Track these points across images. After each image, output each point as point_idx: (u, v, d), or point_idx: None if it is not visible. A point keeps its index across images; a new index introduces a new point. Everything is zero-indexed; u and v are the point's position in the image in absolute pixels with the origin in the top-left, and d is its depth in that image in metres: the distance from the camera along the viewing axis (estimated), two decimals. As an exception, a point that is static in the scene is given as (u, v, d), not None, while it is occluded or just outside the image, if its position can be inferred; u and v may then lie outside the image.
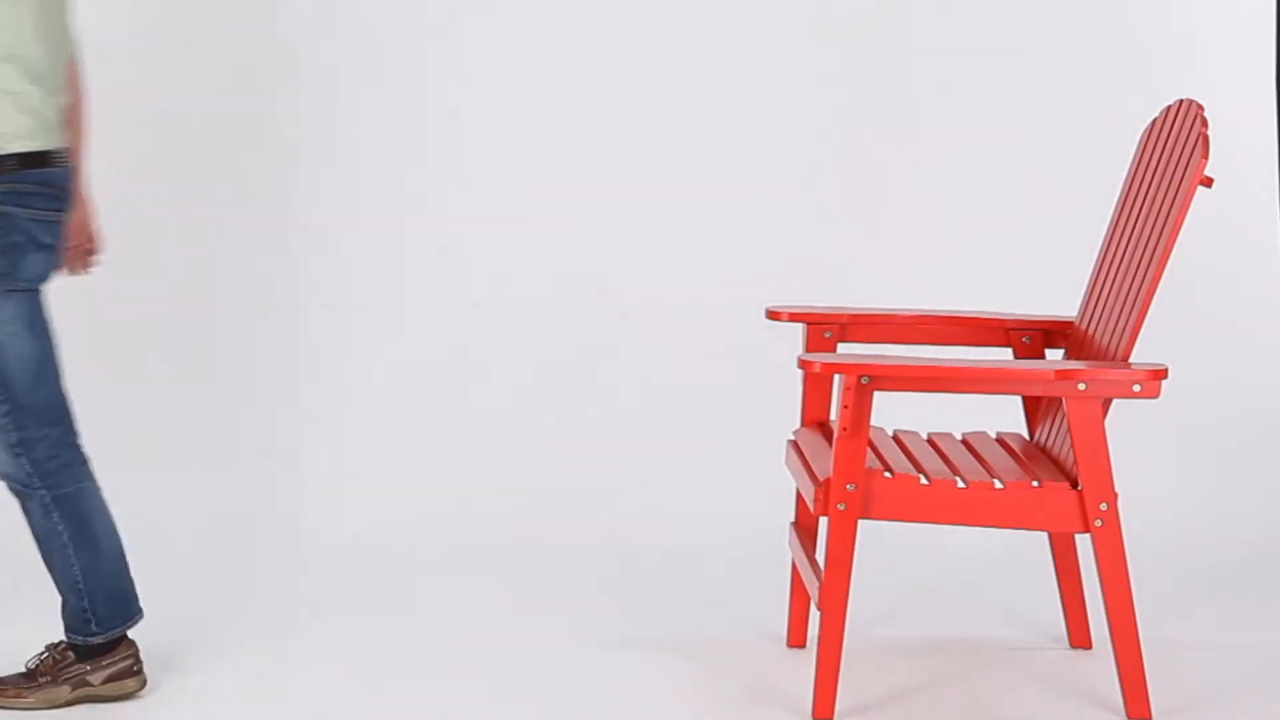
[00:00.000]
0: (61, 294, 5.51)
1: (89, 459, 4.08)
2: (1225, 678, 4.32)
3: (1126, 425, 5.25)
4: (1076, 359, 4.38)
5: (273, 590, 4.92)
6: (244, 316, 5.73)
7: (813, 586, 4.11)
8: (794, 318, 4.50)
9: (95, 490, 4.04)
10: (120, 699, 4.06)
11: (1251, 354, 5.80)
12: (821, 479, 4.00)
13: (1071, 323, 4.49)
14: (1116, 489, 4.00)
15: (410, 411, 5.71)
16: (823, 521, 5.21)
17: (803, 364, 4.01)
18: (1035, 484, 3.99)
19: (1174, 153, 4.17)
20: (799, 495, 4.48)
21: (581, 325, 5.76)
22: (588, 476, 5.63)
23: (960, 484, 3.99)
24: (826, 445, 4.28)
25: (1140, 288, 4.09)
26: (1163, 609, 4.75)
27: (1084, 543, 4.74)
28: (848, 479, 3.93)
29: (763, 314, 4.80)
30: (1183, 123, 4.18)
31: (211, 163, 5.72)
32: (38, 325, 3.97)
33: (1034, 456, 4.28)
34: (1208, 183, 4.00)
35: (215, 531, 5.36)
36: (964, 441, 4.42)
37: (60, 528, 4.01)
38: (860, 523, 3.96)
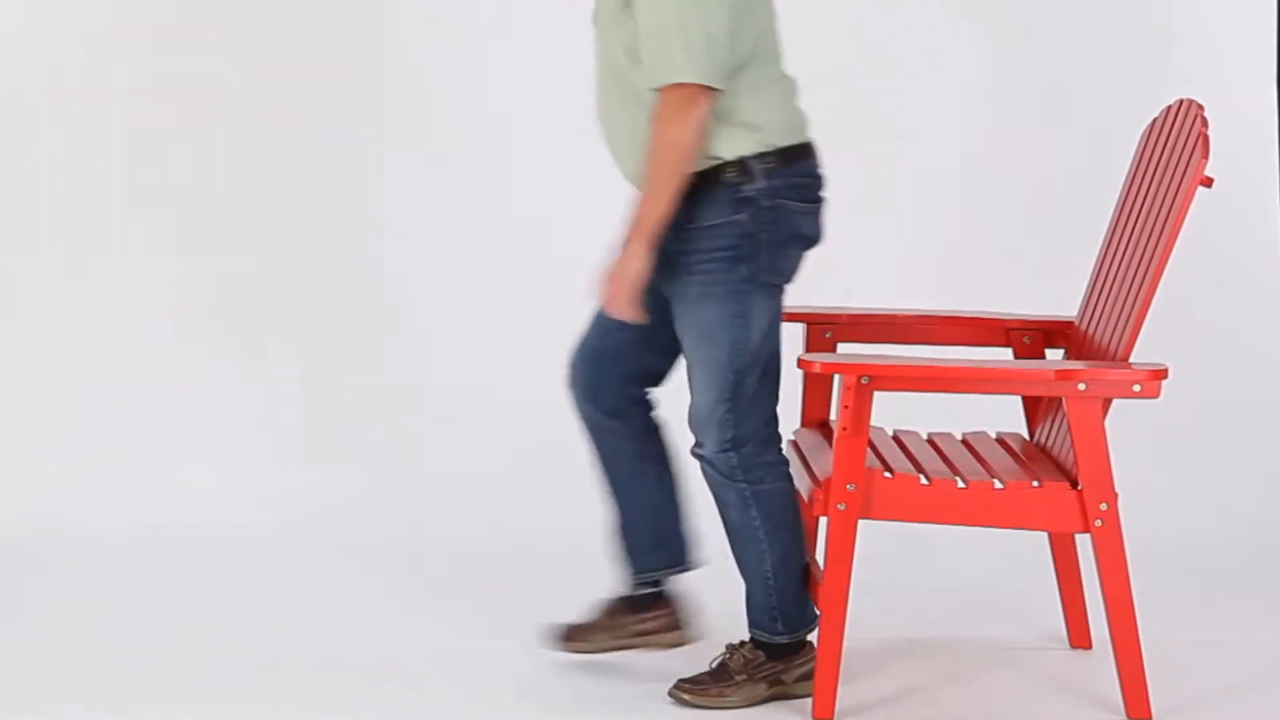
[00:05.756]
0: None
1: (788, 460, 4.10)
2: (1225, 678, 4.32)
3: (1126, 425, 5.24)
4: (1076, 359, 4.38)
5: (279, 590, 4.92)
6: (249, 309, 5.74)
7: (813, 586, 4.10)
8: (794, 318, 4.50)
9: (792, 490, 4.08)
10: (808, 697, 4.07)
11: (1251, 354, 5.80)
12: (821, 479, 4.00)
13: (1071, 323, 4.49)
14: (1116, 489, 4.00)
15: (413, 410, 5.71)
16: (823, 521, 5.21)
17: (803, 364, 4.01)
18: (1035, 484, 3.99)
19: (1174, 153, 4.16)
20: (799, 495, 4.48)
21: (581, 325, 5.75)
22: (587, 477, 5.62)
23: (960, 484, 3.99)
24: (826, 445, 4.28)
25: (1140, 288, 4.09)
26: (1163, 609, 4.75)
27: (1084, 543, 4.74)
28: (848, 479, 3.93)
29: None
30: (1183, 123, 4.17)
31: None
32: (779, 325, 4.04)
33: (1034, 456, 4.28)
34: (1208, 183, 4.00)
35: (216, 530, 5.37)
36: (964, 441, 4.42)
37: (757, 523, 4.05)
38: (860, 523, 3.95)
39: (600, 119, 4.06)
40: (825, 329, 4.50)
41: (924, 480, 3.99)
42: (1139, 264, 4.15)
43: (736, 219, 3.93)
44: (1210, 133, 4.06)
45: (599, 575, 4.78)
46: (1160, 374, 3.96)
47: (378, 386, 5.73)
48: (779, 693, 4.11)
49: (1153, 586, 4.86)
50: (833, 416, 4.57)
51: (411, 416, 5.69)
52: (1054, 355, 4.54)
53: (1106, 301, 4.28)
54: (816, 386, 4.49)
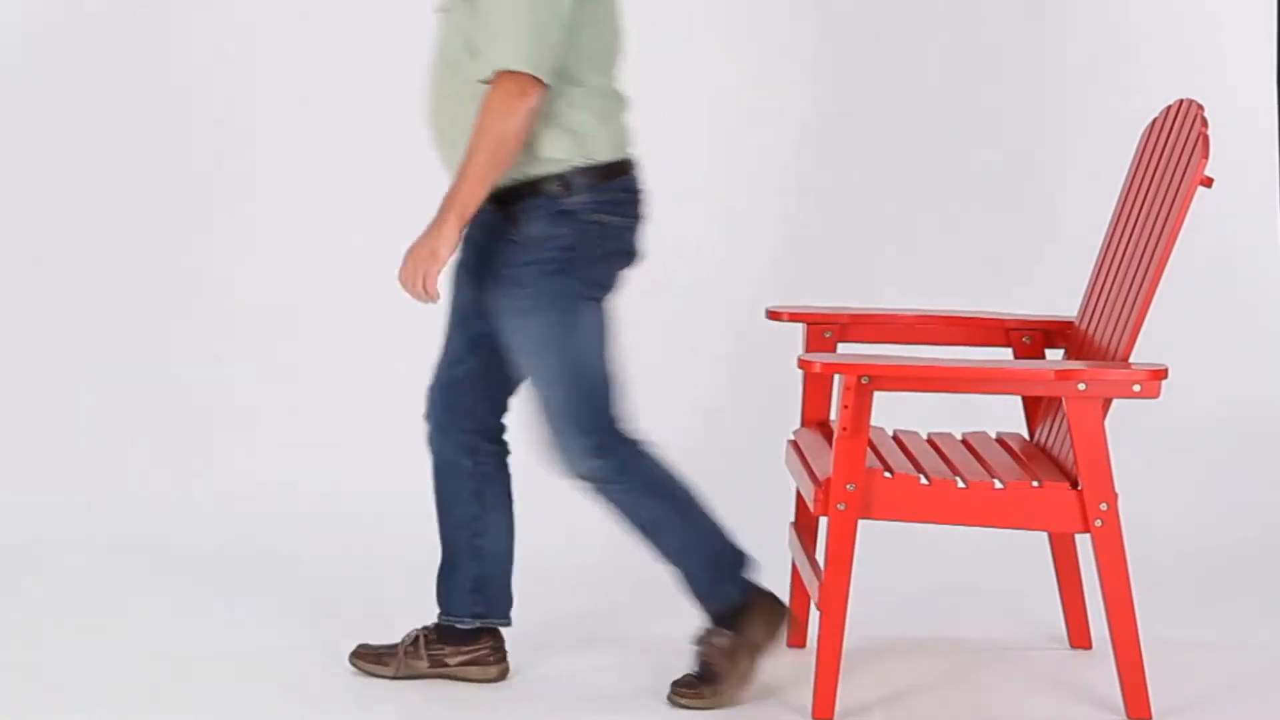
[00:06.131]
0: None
1: (648, 441, 4.10)
2: (1225, 678, 4.32)
3: (1126, 425, 5.24)
4: (1076, 359, 4.38)
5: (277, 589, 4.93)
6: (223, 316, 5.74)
7: (813, 586, 4.11)
8: (794, 318, 4.50)
9: (666, 463, 4.10)
10: (780, 641, 4.11)
11: (1251, 354, 5.80)
12: (821, 479, 4.00)
13: (1071, 323, 4.49)
14: (1116, 489, 4.00)
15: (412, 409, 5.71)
16: (823, 521, 5.21)
17: (803, 364, 4.01)
18: (1035, 484, 3.99)
19: (1174, 153, 4.17)
20: (799, 495, 4.48)
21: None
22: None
23: (960, 484, 3.99)
24: (826, 445, 4.28)
25: (1140, 288, 4.09)
26: (1163, 609, 4.75)
27: (1084, 543, 4.74)
28: (848, 479, 3.93)
29: (763, 314, 4.81)
30: (1183, 123, 4.18)
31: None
32: (607, 334, 4.04)
33: (1034, 456, 4.28)
34: (1208, 183, 4.00)
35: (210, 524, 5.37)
36: (964, 441, 4.42)
37: (663, 507, 4.07)
38: (860, 523, 3.95)
39: (430, 111, 4.05)
40: (825, 329, 4.50)
41: (924, 480, 3.99)
42: (1139, 264, 4.15)
43: (558, 232, 3.96)
44: (1210, 133, 4.06)
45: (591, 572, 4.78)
46: (1160, 374, 3.96)
47: (370, 385, 5.73)
48: (760, 656, 4.09)
49: (1153, 586, 4.87)
50: (833, 416, 4.57)
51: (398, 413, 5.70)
52: (1054, 355, 4.54)
53: (1106, 301, 4.28)
54: (816, 386, 4.49)
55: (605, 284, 4.04)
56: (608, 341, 4.05)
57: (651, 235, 5.76)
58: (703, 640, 4.13)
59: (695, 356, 5.73)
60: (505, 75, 3.85)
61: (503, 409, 4.22)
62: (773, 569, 5.04)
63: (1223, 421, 5.72)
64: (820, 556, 4.38)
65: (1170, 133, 4.23)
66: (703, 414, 5.67)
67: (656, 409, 5.70)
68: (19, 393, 5.66)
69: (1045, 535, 4.58)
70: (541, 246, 3.97)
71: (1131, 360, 4.10)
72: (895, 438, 4.43)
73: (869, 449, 4.18)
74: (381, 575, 5.03)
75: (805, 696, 4.10)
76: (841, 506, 3.94)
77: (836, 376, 4.20)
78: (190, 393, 5.69)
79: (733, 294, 5.71)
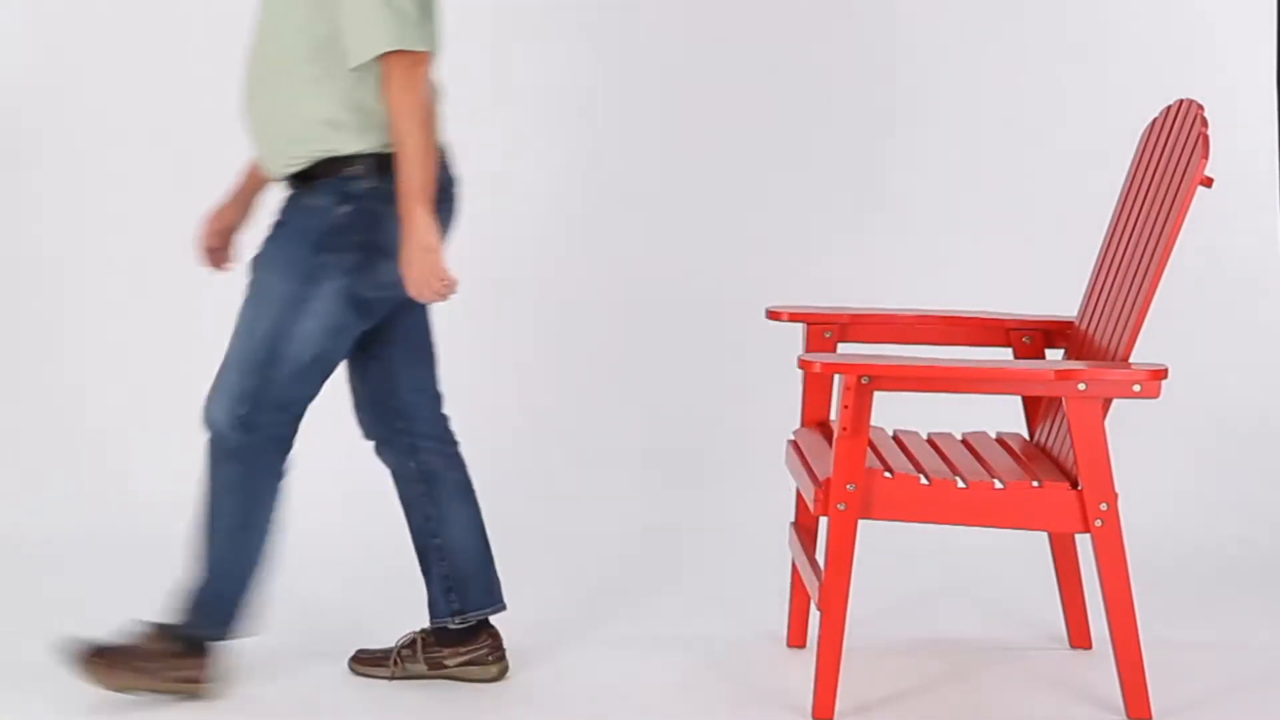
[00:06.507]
0: None
1: (285, 471, 4.05)
2: (1225, 678, 4.32)
3: (1126, 425, 5.25)
4: (1076, 359, 4.38)
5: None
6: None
7: (813, 586, 4.11)
8: (794, 318, 4.50)
9: (279, 499, 4.05)
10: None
11: (1251, 354, 5.81)
12: (821, 479, 4.00)
13: (1071, 323, 4.49)
14: (1116, 489, 4.00)
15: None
16: (823, 521, 5.21)
17: (803, 364, 4.01)
18: (1035, 484, 3.99)
19: (1174, 153, 4.17)
20: (799, 495, 4.49)
21: (581, 325, 5.76)
22: (587, 475, 5.63)
23: (960, 484, 3.99)
24: (826, 445, 4.28)
25: (1140, 288, 4.09)
26: (1163, 609, 4.75)
27: (1084, 543, 4.74)
28: (848, 479, 3.93)
29: (763, 314, 4.81)
30: (1183, 123, 4.18)
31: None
32: (345, 340, 3.97)
33: (1034, 456, 4.28)
34: (1208, 183, 4.00)
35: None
36: (964, 441, 4.42)
37: (231, 510, 3.98)
38: (860, 523, 3.95)
39: (249, 108, 4.01)
40: (825, 329, 4.50)
41: (924, 480, 3.99)
42: (1139, 264, 4.15)
43: (337, 209, 3.92)
44: (1210, 133, 4.06)
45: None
46: (1160, 374, 3.97)
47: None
48: (153, 689, 4.03)
49: (1153, 586, 4.87)
50: (833, 416, 4.57)
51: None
52: (1054, 355, 4.54)
53: (1106, 301, 4.29)
54: (816, 386, 4.49)
55: (365, 276, 3.93)
56: (336, 343, 3.97)
57: (652, 235, 5.79)
58: (153, 629, 4.05)
59: (695, 356, 5.73)
60: (390, 57, 3.87)
61: (434, 399, 4.20)
62: (773, 569, 5.06)
63: (1223, 421, 5.73)
64: (820, 556, 4.39)
65: (1170, 133, 4.23)
66: (703, 414, 5.68)
67: (656, 409, 5.72)
68: (19, 392, 5.66)
69: (1045, 535, 4.59)
70: (314, 215, 3.93)
71: (1131, 360, 4.10)
72: (895, 438, 4.43)
73: (869, 449, 4.18)
74: (383, 576, 5.03)
75: (805, 696, 4.10)
76: (841, 506, 3.94)
77: (836, 376, 4.20)
78: (190, 392, 5.69)
79: (733, 294, 5.71)
